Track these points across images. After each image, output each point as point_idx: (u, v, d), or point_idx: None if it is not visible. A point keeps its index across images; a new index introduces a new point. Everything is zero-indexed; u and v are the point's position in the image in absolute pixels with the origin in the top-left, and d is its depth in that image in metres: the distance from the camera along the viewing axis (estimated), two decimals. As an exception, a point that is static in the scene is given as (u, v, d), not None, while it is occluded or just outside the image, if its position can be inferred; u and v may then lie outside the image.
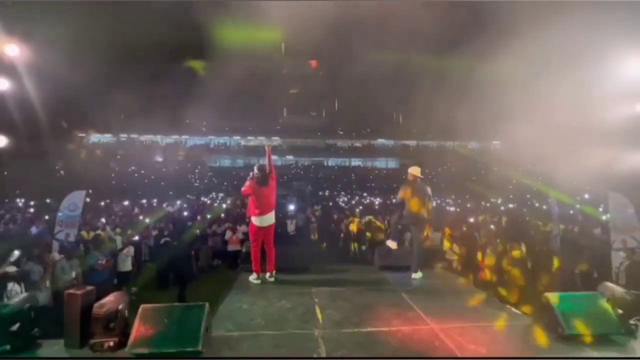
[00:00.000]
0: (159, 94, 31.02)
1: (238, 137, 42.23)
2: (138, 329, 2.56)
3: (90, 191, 12.01)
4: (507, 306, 3.72)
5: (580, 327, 2.87)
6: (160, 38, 28.37)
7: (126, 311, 2.79)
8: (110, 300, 2.79)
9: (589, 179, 7.40)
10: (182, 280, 6.91)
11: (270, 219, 4.58)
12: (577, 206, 12.36)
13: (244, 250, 8.93)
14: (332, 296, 3.98)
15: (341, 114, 44.97)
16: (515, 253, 7.25)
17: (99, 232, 8.89)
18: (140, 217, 11.74)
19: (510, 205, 16.26)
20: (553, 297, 3.08)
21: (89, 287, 2.85)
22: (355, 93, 42.36)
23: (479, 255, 7.94)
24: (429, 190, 5.04)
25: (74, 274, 6.02)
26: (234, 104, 41.28)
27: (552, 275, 7.14)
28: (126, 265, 7.46)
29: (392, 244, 5.11)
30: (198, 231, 9.71)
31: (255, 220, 4.59)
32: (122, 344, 2.63)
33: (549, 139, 9.01)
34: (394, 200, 5.43)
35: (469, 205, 15.96)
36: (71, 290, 2.78)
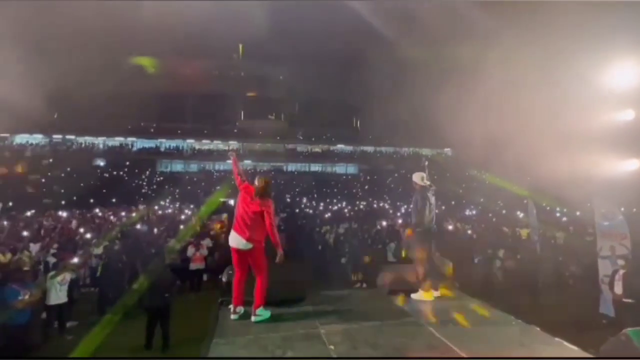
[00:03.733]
0: (102, 91, 27.91)
1: (192, 141, 39.65)
2: None
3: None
4: (556, 339, 3.14)
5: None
6: (100, 29, 25.66)
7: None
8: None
9: (572, 185, 7.35)
10: (165, 312, 5.60)
11: (246, 243, 3.40)
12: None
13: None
14: (349, 338, 3.13)
15: (301, 118, 44.35)
16: (508, 263, 6.97)
17: (18, 255, 7.15)
18: (82, 231, 9.86)
19: (474, 212, 16.62)
20: (634, 334, 2.54)
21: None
22: (315, 97, 42.08)
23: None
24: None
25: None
26: (187, 105, 38.85)
27: (545, 284, 6.96)
28: (59, 296, 5.95)
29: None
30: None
31: (229, 237, 3.53)
32: None
33: (525, 144, 8.95)
34: (412, 220, 4.66)
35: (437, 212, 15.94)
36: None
